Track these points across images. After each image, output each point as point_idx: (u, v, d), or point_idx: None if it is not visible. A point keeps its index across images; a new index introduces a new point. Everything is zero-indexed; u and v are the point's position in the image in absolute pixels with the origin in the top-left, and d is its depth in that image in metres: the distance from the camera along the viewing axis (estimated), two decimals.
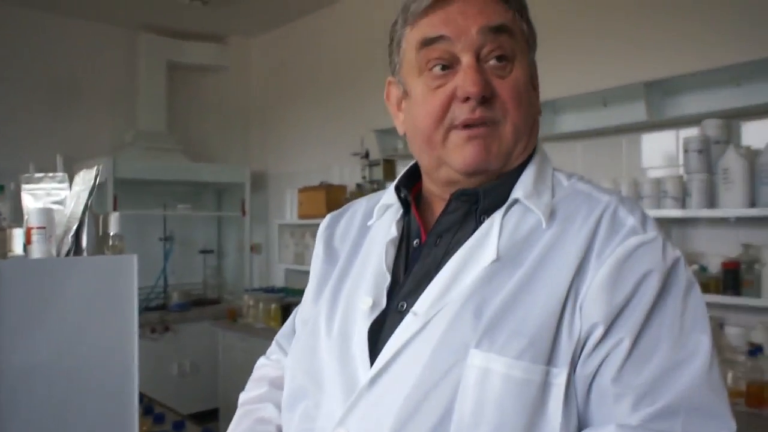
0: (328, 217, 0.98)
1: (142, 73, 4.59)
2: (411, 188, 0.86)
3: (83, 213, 1.16)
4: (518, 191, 0.76)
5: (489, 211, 0.77)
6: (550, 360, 0.66)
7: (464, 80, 0.73)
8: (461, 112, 0.74)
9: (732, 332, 2.24)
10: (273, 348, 1.02)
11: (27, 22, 4.23)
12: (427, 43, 0.75)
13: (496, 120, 0.74)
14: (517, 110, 0.75)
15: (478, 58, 0.74)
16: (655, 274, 0.67)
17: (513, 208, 0.76)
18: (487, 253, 0.72)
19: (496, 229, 0.74)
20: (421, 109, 0.77)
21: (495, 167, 0.76)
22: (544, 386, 0.65)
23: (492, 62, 0.74)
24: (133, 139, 4.45)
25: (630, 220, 0.71)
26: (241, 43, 5.07)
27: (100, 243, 1.26)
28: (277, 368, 0.97)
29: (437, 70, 0.75)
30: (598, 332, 0.66)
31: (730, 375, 2.04)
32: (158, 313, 4.04)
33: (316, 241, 0.96)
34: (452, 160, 0.76)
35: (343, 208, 0.99)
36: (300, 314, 0.95)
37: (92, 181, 1.18)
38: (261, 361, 1.02)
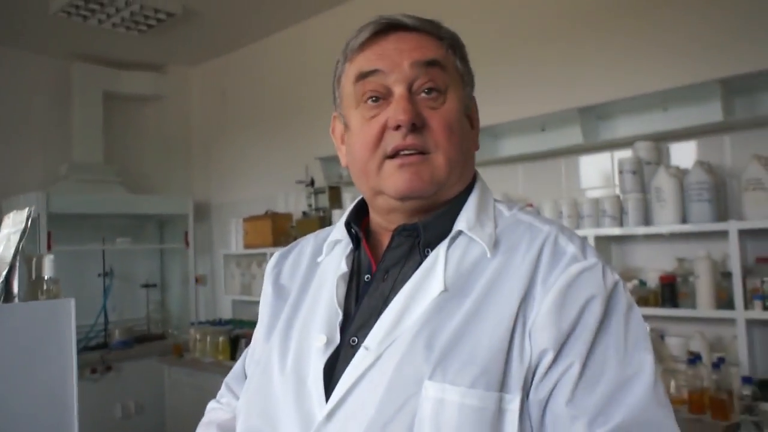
0: (276, 255, 0.98)
1: (76, 104, 4.43)
2: (360, 223, 0.86)
3: (14, 257, 1.10)
4: (461, 223, 0.78)
5: (432, 244, 0.78)
6: (502, 386, 0.67)
7: (395, 109, 0.76)
8: (393, 139, 0.76)
9: (672, 342, 2.33)
10: (223, 391, 1.00)
11: None
12: (362, 76, 0.79)
13: (428, 150, 0.77)
14: (449, 141, 0.77)
15: (411, 90, 0.77)
16: (597, 299, 0.70)
17: (457, 240, 0.78)
18: (434, 285, 0.74)
19: (441, 261, 0.76)
20: (358, 139, 0.79)
21: (427, 193, 0.78)
22: (499, 413, 0.66)
23: (423, 94, 0.77)
24: (67, 172, 4.28)
25: (570, 248, 0.74)
26: (180, 72, 4.99)
27: (34, 287, 1.19)
28: (228, 411, 0.94)
29: (371, 101, 0.78)
30: (548, 358, 0.68)
31: (672, 384, 2.12)
32: (99, 353, 3.85)
33: (264, 281, 0.95)
34: (386, 187, 0.78)
35: (290, 245, 0.98)
36: (251, 355, 0.94)
37: (23, 223, 1.12)
38: (211, 404, 0.99)
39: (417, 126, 0.75)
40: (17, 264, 1.12)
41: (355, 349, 0.74)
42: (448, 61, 0.80)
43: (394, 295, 0.75)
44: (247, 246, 4.00)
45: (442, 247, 0.77)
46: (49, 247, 3.60)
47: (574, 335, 0.69)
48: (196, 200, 4.70)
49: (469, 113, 0.84)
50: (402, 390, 0.68)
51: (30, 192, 3.91)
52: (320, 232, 0.96)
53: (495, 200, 0.84)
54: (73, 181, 4.25)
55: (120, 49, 4.41)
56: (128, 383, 3.91)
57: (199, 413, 0.98)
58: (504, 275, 0.73)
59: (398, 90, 0.76)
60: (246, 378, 0.94)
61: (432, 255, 0.77)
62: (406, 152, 0.76)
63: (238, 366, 0.99)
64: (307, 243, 0.95)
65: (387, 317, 0.73)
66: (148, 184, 4.82)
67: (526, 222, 0.79)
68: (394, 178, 0.77)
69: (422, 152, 0.76)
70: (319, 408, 0.71)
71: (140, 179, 4.77)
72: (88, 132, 4.43)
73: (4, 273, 1.12)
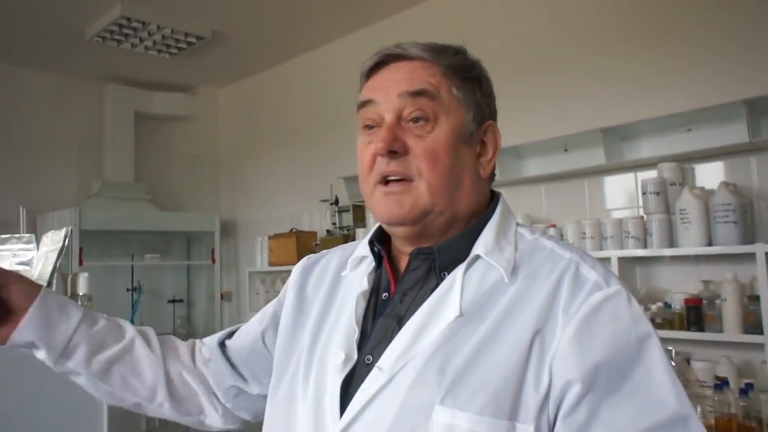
0: (303, 261, 0.99)
1: (109, 124, 4.58)
2: (383, 241, 0.88)
3: (51, 274, 1.15)
4: (479, 248, 0.79)
5: (450, 267, 0.79)
6: (513, 415, 0.67)
7: (377, 137, 0.79)
8: (379, 166, 0.79)
9: (698, 367, 2.29)
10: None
11: None
12: (361, 105, 0.83)
13: (411, 176, 0.78)
14: (432, 168, 0.78)
15: (401, 118, 0.79)
16: (623, 330, 0.69)
17: (475, 264, 0.78)
18: (450, 309, 0.74)
19: (458, 286, 0.76)
20: (358, 164, 0.84)
21: (409, 221, 0.79)
22: None
23: (411, 123, 0.79)
24: (99, 190, 4.41)
25: (592, 275, 0.73)
26: (209, 93, 5.11)
27: None
28: (189, 351, 1.00)
29: (367, 129, 0.82)
30: (575, 390, 0.67)
31: (699, 409, 2.08)
32: None
33: (290, 285, 0.97)
34: (377, 213, 0.82)
35: (319, 254, 1.00)
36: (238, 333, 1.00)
37: (61, 242, 1.17)
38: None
39: (398, 153, 0.77)
40: (54, 281, 1.17)
41: (369, 367, 0.75)
42: (440, 89, 0.80)
43: (410, 316, 0.76)
44: (272, 263, 4.06)
45: (459, 270, 0.78)
46: (81, 263, 3.70)
47: (605, 376, 0.67)
48: (222, 218, 4.78)
49: (471, 139, 0.82)
50: (413, 413, 0.69)
51: (64, 208, 4.03)
52: (347, 246, 0.97)
53: (518, 224, 0.84)
54: (104, 199, 4.37)
55: (151, 71, 4.55)
56: None
57: None
58: (522, 302, 0.73)
59: (386, 118, 0.79)
60: (223, 350, 0.99)
61: (448, 279, 0.78)
62: (392, 178, 0.79)
63: (216, 336, 1.03)
64: (334, 255, 0.97)
65: (401, 339, 0.74)
66: (177, 202, 4.93)
67: (547, 248, 0.78)
68: (380, 206, 0.80)
69: (406, 179, 0.78)
70: (333, 424, 0.73)
71: (169, 197, 4.88)
72: (120, 151, 4.57)
73: None
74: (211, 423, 0.99)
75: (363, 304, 0.83)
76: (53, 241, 1.19)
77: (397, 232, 0.82)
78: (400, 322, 0.77)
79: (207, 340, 1.04)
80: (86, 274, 1.29)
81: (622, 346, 0.68)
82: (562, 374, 0.68)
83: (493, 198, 0.87)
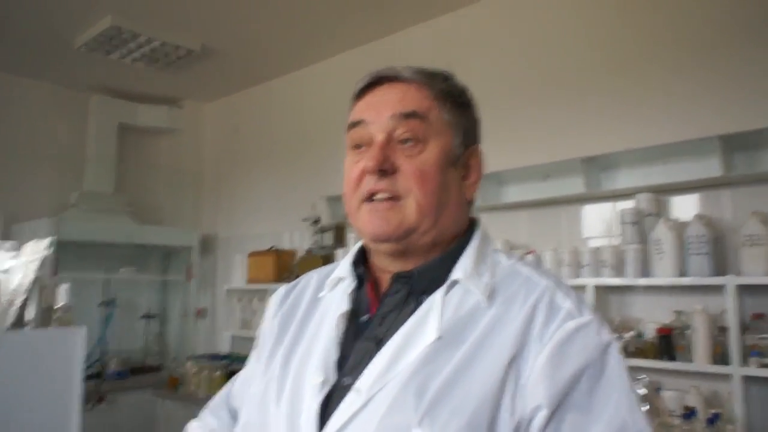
0: (280, 292, 1.00)
1: (91, 134, 4.53)
2: (364, 262, 0.89)
3: (31, 284, 1.14)
4: (458, 272, 0.81)
5: (429, 291, 0.80)
6: None
7: (367, 156, 0.81)
8: (367, 183, 0.81)
9: (668, 396, 2.31)
10: (203, 414, 1.02)
11: None
12: (352, 125, 0.85)
13: (399, 195, 0.80)
14: (421, 188, 0.80)
15: (391, 139, 0.81)
16: (592, 358, 0.72)
17: (454, 288, 0.80)
18: (429, 331, 0.76)
19: (437, 309, 0.78)
20: (345, 182, 0.85)
21: (395, 237, 0.80)
22: None
23: (401, 143, 0.81)
24: (77, 200, 4.34)
25: (567, 304, 0.76)
26: (195, 107, 5.11)
27: (46, 314, 1.23)
28: (203, 427, 0.97)
29: (356, 148, 0.84)
30: (542, 414, 0.69)
31: None
32: (93, 383, 3.82)
33: (267, 318, 0.97)
34: (361, 230, 0.83)
35: (293, 282, 1.00)
36: (241, 385, 0.97)
37: (42, 253, 1.16)
38: (190, 423, 1.01)
39: (388, 171, 0.80)
40: (33, 292, 1.16)
41: (347, 389, 0.75)
42: (431, 112, 0.82)
43: (388, 339, 0.77)
44: (250, 281, 4.03)
45: (438, 294, 0.79)
46: (55, 273, 3.63)
47: (570, 395, 0.70)
48: (203, 233, 4.75)
49: (458, 162, 0.85)
50: None
51: (40, 218, 3.96)
52: (323, 269, 0.98)
53: (494, 249, 0.86)
54: (82, 210, 4.30)
55: (138, 83, 4.54)
56: (120, 416, 3.83)
57: None
58: (499, 327, 0.75)
59: (377, 138, 0.81)
60: (226, 408, 0.98)
61: (427, 302, 0.79)
62: (380, 196, 0.80)
63: (220, 396, 1.01)
64: (309, 279, 0.97)
65: (379, 361, 0.75)
66: (158, 216, 4.88)
67: (524, 274, 0.81)
68: (366, 222, 0.82)
69: (394, 197, 0.80)
70: None
71: (150, 211, 4.83)
72: (101, 162, 4.52)
73: (21, 300, 1.16)
74: None
75: (343, 326, 0.83)
76: (34, 251, 1.18)
77: (381, 249, 0.84)
78: (379, 345, 0.77)
79: (217, 408, 1.01)
80: (66, 285, 1.28)
81: (591, 375, 0.71)
82: (532, 399, 0.70)
83: (472, 223, 0.89)
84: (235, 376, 1.01)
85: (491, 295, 0.78)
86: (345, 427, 0.72)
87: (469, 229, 0.87)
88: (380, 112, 0.82)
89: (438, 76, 0.86)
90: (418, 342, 0.75)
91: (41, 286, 1.22)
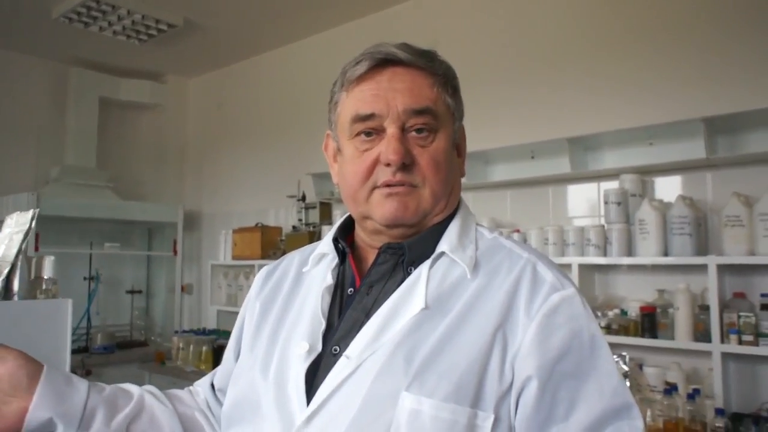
0: (263, 269, 1.01)
1: (72, 108, 4.45)
2: (346, 238, 0.90)
3: (16, 256, 1.13)
4: (444, 245, 0.82)
5: (416, 263, 0.82)
6: (475, 403, 0.71)
7: (387, 148, 0.80)
8: (383, 174, 0.81)
9: (650, 372, 2.38)
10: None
11: None
12: (359, 119, 0.82)
13: (415, 184, 0.81)
14: (435, 177, 0.82)
15: (403, 128, 0.81)
16: (578, 328, 0.75)
17: (439, 261, 0.82)
18: (416, 301, 0.78)
19: (423, 280, 0.80)
20: (350, 169, 0.84)
21: (411, 222, 0.82)
22: (470, 428, 0.70)
23: (414, 133, 0.82)
24: (59, 175, 4.28)
25: (549, 276, 0.79)
26: (178, 82, 5.03)
27: (33, 287, 1.21)
28: (187, 392, 0.99)
29: (364, 136, 0.82)
30: (534, 385, 0.72)
31: (648, 413, 2.16)
32: (80, 356, 3.82)
33: (249, 300, 0.98)
34: (374, 214, 0.83)
35: (276, 262, 1.01)
36: (223, 368, 0.98)
37: (27, 224, 1.15)
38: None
39: (406, 164, 0.80)
40: (18, 263, 1.15)
41: (336, 357, 0.77)
42: (439, 106, 0.83)
43: (377, 308, 0.79)
44: (235, 257, 4.02)
45: (424, 266, 0.81)
46: (36, 249, 3.59)
47: (561, 369, 0.72)
48: (187, 209, 4.71)
49: (457, 143, 0.88)
50: (380, 399, 0.71)
51: (21, 193, 3.91)
52: (305, 248, 1.00)
53: (477, 224, 0.89)
54: (64, 185, 4.25)
55: (119, 57, 4.45)
56: None
57: None
58: (483, 296, 0.77)
59: (391, 129, 0.80)
60: (214, 390, 0.99)
61: (415, 273, 0.81)
62: (397, 185, 0.81)
63: (207, 378, 1.02)
64: (292, 258, 0.99)
65: (369, 329, 0.77)
66: (140, 191, 4.83)
67: (506, 247, 0.83)
68: (382, 207, 0.82)
69: (410, 185, 0.81)
70: (300, 412, 0.75)
71: (132, 186, 4.78)
72: (82, 136, 4.45)
73: (6, 271, 1.14)
74: None
75: (328, 298, 0.85)
76: (18, 222, 1.16)
77: (392, 232, 0.84)
78: (368, 314, 0.79)
79: (199, 383, 1.04)
80: (52, 258, 1.26)
81: (577, 344, 0.74)
82: (522, 371, 0.72)
83: None
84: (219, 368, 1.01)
85: (475, 266, 0.81)
86: (335, 392, 0.74)
87: None
88: (390, 104, 0.81)
89: (435, 58, 0.86)
90: (406, 311, 0.77)
91: (27, 258, 1.21)
